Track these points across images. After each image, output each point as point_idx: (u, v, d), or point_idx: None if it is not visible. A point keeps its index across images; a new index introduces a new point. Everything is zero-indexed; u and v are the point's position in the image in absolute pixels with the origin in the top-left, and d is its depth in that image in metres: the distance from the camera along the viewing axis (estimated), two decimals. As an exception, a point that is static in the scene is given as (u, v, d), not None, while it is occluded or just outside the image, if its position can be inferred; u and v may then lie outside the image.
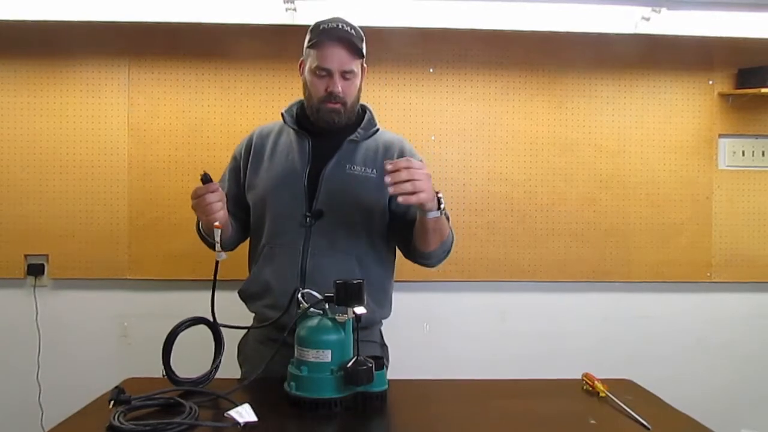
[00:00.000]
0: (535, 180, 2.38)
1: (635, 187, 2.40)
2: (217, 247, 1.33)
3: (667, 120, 2.41)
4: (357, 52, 1.45)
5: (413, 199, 1.26)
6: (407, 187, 1.25)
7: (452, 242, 1.52)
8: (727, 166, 2.44)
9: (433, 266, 1.54)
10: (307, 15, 2.20)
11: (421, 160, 1.56)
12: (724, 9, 2.15)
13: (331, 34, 1.44)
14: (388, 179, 1.25)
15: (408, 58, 2.33)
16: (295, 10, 2.20)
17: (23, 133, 2.26)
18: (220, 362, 1.36)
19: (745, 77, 2.36)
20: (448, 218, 1.49)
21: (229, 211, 1.55)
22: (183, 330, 1.31)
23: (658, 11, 2.17)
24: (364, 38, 1.50)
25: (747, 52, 2.37)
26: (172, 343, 1.28)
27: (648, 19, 2.23)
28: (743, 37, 2.29)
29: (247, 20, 2.22)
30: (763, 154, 2.44)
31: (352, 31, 1.47)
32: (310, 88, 1.49)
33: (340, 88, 1.45)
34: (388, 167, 1.27)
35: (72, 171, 2.27)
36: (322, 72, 1.45)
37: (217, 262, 1.34)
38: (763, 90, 2.28)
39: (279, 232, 1.49)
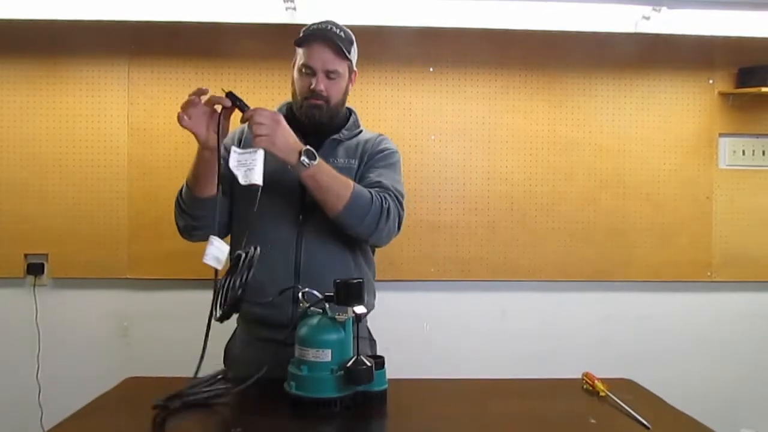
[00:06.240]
0: (535, 179, 2.38)
1: (635, 187, 2.40)
2: (207, 257, 1.21)
3: (667, 119, 2.41)
4: (342, 54, 1.49)
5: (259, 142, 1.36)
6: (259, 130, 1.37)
7: (368, 204, 1.41)
8: (728, 165, 2.43)
9: (363, 236, 1.46)
10: (307, 14, 2.21)
11: (396, 154, 1.59)
12: (724, 8, 2.16)
13: (319, 34, 1.49)
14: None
15: (408, 57, 2.33)
16: (294, 9, 2.21)
17: (23, 133, 2.26)
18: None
19: (746, 76, 2.36)
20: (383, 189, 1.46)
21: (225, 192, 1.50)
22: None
23: (658, 10, 2.18)
24: (354, 42, 1.54)
25: (747, 51, 2.37)
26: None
27: (648, 18, 2.24)
28: (743, 36, 2.30)
29: (247, 19, 2.23)
30: (763, 153, 2.44)
31: (341, 33, 1.51)
32: (296, 85, 1.54)
33: (323, 86, 1.49)
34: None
35: (72, 171, 2.27)
36: (308, 70, 1.49)
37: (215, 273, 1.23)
38: (764, 89, 2.28)
39: (271, 230, 1.48)
